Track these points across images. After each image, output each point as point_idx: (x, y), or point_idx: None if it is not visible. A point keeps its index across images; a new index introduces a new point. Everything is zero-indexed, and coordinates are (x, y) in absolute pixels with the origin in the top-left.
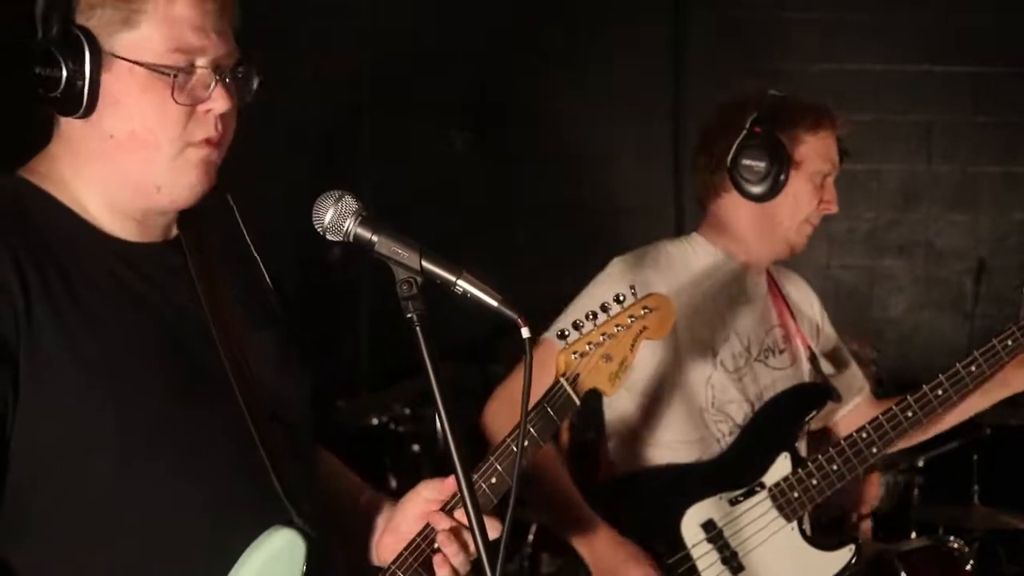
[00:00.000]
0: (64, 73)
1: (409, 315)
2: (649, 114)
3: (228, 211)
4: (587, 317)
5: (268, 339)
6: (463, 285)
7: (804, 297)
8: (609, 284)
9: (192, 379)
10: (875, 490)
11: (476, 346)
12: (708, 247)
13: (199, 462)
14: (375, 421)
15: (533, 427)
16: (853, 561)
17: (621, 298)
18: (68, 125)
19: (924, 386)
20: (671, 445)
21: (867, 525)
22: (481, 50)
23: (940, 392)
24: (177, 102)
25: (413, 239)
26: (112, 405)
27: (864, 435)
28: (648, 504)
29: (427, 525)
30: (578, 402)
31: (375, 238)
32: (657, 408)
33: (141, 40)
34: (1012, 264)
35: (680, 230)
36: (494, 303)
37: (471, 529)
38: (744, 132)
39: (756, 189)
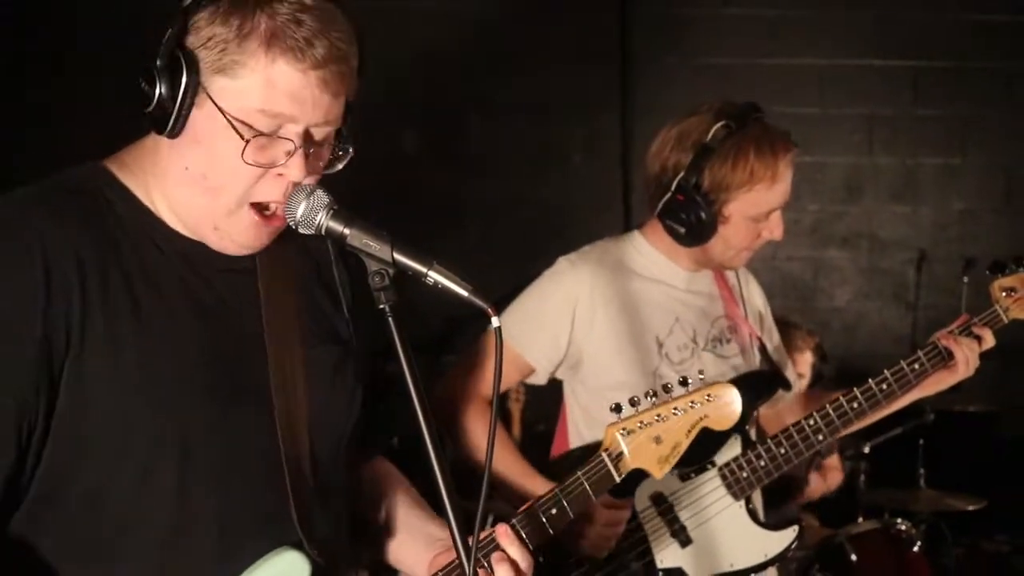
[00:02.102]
0: (156, 94)
1: (381, 306)
2: (597, 111)
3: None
4: (646, 395)
5: (325, 356)
6: (434, 276)
7: (751, 288)
8: (555, 281)
9: (233, 389)
10: (838, 474)
11: (430, 338)
12: (649, 249)
13: (223, 472)
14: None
15: (565, 497)
16: (796, 541)
17: (687, 381)
18: (157, 136)
19: (870, 380)
20: None
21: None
22: (431, 50)
23: (885, 386)
24: (246, 162)
25: (384, 231)
26: (146, 413)
27: (812, 422)
28: None
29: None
30: (617, 479)
31: (347, 231)
32: (609, 396)
33: (235, 90)
34: (953, 254)
35: (628, 227)
36: (465, 293)
37: (444, 515)
38: (669, 195)
39: (678, 240)
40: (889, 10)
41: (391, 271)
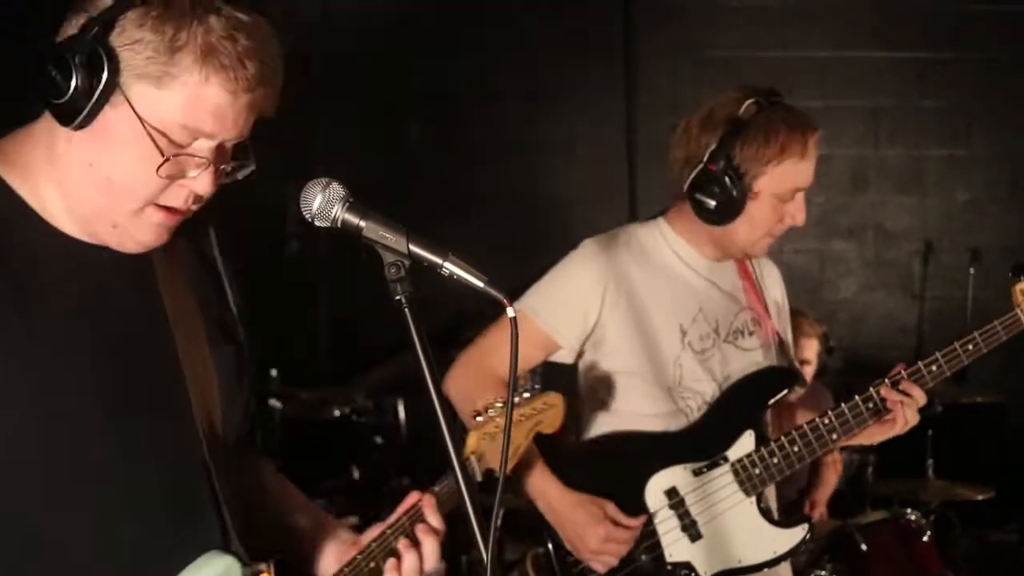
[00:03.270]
0: (71, 87)
1: (398, 297)
2: (600, 102)
3: (204, 233)
4: (496, 401)
5: (226, 356)
6: (449, 267)
7: (773, 280)
8: (584, 261)
9: (134, 393)
10: (837, 468)
11: (438, 331)
12: (674, 237)
13: (132, 476)
14: (337, 413)
15: (441, 495)
16: (807, 539)
17: (524, 391)
18: (54, 126)
19: (886, 379)
20: (641, 417)
21: (823, 510)
22: (434, 41)
23: (901, 388)
24: (159, 176)
25: (400, 223)
26: (40, 427)
27: (826, 421)
28: (614, 468)
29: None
30: (480, 478)
31: (362, 223)
32: (628, 383)
33: (160, 102)
34: (958, 245)
35: (633, 218)
36: (480, 284)
37: (463, 506)
38: (700, 166)
39: (707, 217)
40: (892, 0)
41: (406, 263)
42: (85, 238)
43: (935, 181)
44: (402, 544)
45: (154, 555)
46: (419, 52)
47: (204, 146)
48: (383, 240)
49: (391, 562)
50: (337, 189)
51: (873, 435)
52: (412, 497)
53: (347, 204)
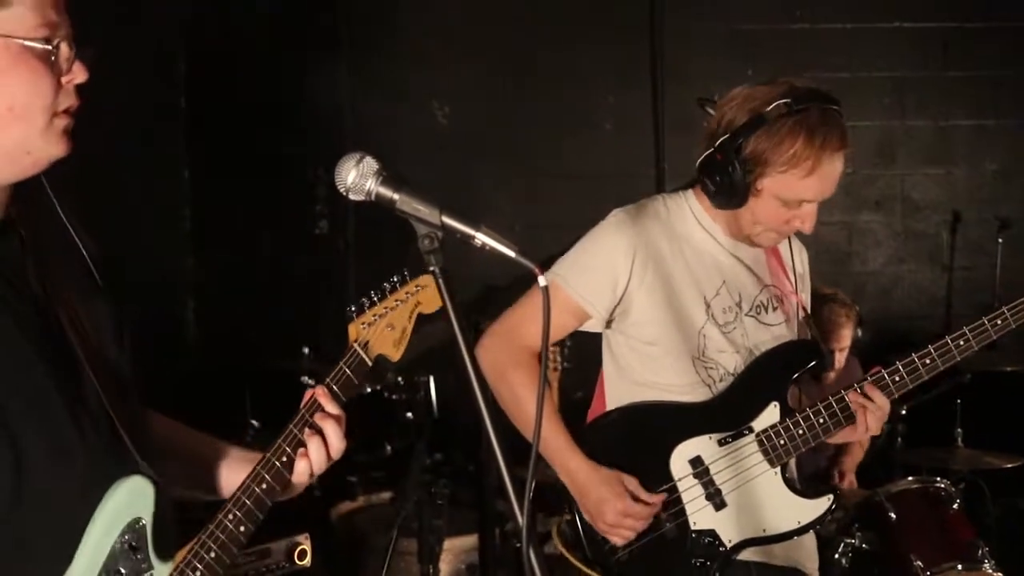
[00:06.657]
0: None
1: (432, 268)
2: (628, 79)
3: (41, 188)
4: (372, 295)
5: (100, 309)
6: (482, 238)
7: (798, 254)
8: (613, 230)
9: (57, 363)
10: (862, 446)
11: (466, 304)
12: (700, 209)
13: (71, 438)
14: (368, 390)
15: (336, 385)
16: (831, 509)
17: (395, 280)
18: None
19: (913, 354)
20: (665, 388)
21: (851, 478)
22: (460, 22)
23: (928, 361)
24: (51, 75)
25: (432, 195)
26: None
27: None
28: (639, 438)
29: (288, 430)
30: (370, 364)
31: (396, 196)
32: (653, 352)
33: (13, 17)
34: (986, 215)
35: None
36: (512, 253)
37: (496, 465)
38: (711, 150)
39: (711, 199)
40: None
41: (440, 234)
42: None
43: (963, 152)
44: (307, 434)
45: (93, 498)
46: (445, 33)
47: (61, 37)
48: (417, 212)
49: (300, 451)
50: (371, 163)
51: (844, 438)
52: (308, 393)
53: (381, 178)
